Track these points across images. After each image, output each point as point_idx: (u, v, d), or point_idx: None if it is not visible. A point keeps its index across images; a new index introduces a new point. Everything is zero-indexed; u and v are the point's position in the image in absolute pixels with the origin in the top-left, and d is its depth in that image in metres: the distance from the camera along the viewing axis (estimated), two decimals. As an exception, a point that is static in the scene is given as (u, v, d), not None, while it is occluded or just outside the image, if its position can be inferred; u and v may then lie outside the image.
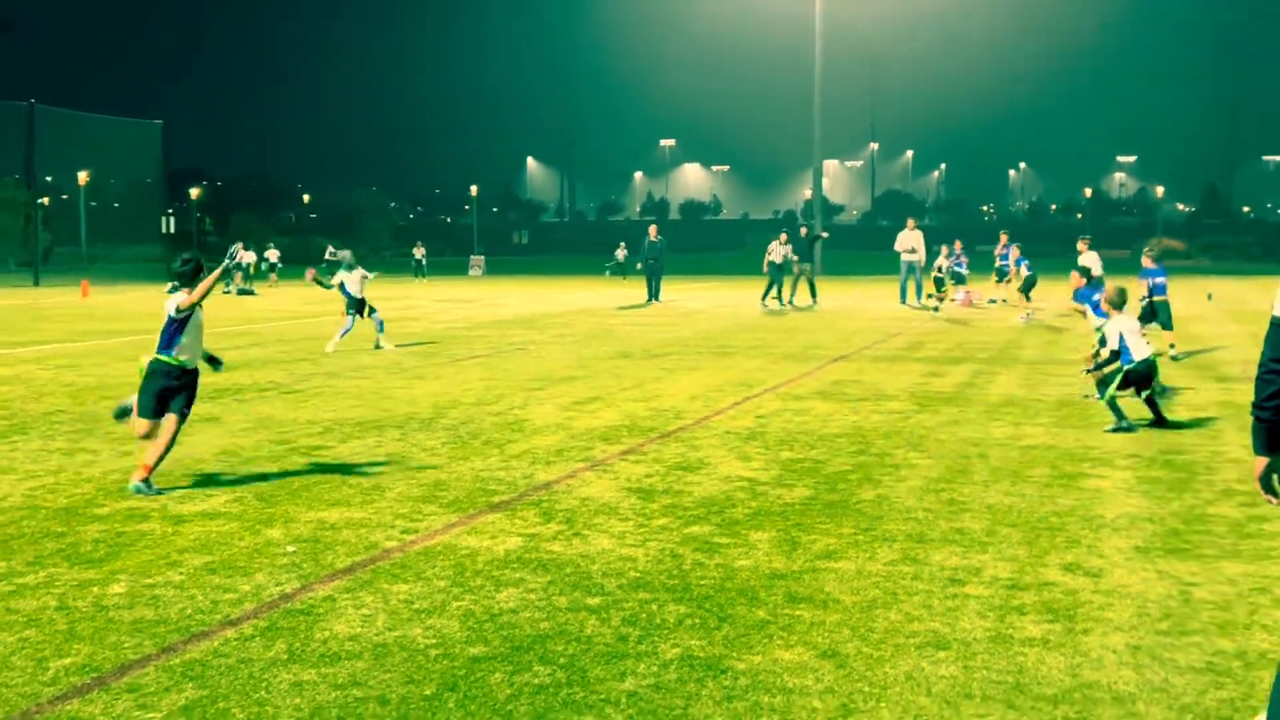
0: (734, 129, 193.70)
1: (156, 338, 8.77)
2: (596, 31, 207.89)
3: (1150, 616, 5.79)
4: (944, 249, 31.38)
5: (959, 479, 9.15)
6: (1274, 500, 4.07)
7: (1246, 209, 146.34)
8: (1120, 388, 11.34)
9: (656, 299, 34.00)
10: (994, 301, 32.34)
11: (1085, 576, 6.48)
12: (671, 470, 9.51)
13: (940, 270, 30.77)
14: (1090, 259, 20.86)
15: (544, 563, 6.82)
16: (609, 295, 38.66)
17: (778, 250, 32.14)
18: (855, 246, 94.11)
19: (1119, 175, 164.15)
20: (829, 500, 8.43)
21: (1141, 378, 11.35)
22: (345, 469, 9.63)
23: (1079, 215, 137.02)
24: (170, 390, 8.68)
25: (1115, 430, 11.13)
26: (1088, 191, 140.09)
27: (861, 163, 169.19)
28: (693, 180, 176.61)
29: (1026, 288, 27.53)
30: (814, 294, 33.16)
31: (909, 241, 32.06)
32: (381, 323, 19.98)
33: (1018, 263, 28.75)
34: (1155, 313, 17.82)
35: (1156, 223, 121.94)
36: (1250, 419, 4.04)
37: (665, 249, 35.31)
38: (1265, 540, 7.26)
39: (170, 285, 9.13)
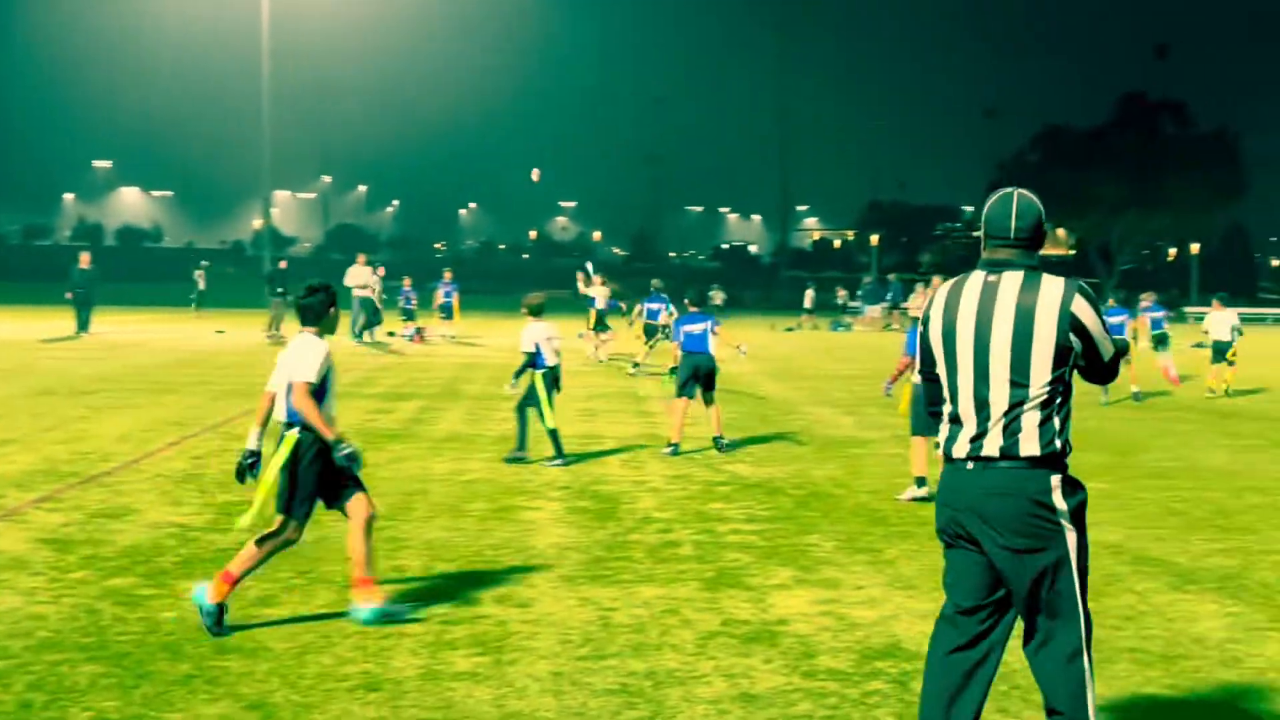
0: (178, 154, 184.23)
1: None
2: (22, 46, 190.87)
3: (572, 643, 6.10)
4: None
5: (401, 516, 9.21)
6: None
7: (673, 254, 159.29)
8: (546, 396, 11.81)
9: (86, 330, 31.68)
10: (443, 337, 33.02)
11: (515, 607, 6.73)
12: (93, 518, 8.84)
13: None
14: (599, 291, 24.48)
15: (-66, 628, 6.09)
16: (32, 326, 35.50)
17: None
18: (308, 279, 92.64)
19: (561, 219, 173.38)
20: (266, 543, 8.18)
21: (554, 380, 11.94)
22: None
23: (525, 255, 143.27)
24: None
25: (551, 462, 11.67)
26: (533, 234, 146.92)
27: (314, 194, 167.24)
28: (132, 205, 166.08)
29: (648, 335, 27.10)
30: (277, 327, 32.60)
31: (360, 277, 32.08)
32: None
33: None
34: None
35: (595, 265, 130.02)
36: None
37: (98, 278, 33.04)
38: (677, 564, 7.88)
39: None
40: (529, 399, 11.91)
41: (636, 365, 24.27)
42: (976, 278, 4.20)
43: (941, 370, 4.26)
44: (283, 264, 35.05)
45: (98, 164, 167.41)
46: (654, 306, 25.92)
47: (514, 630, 6.30)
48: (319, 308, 6.65)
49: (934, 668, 4.26)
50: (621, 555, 8.07)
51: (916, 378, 10.52)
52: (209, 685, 5.37)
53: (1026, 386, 4.03)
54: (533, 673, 5.63)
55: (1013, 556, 4.06)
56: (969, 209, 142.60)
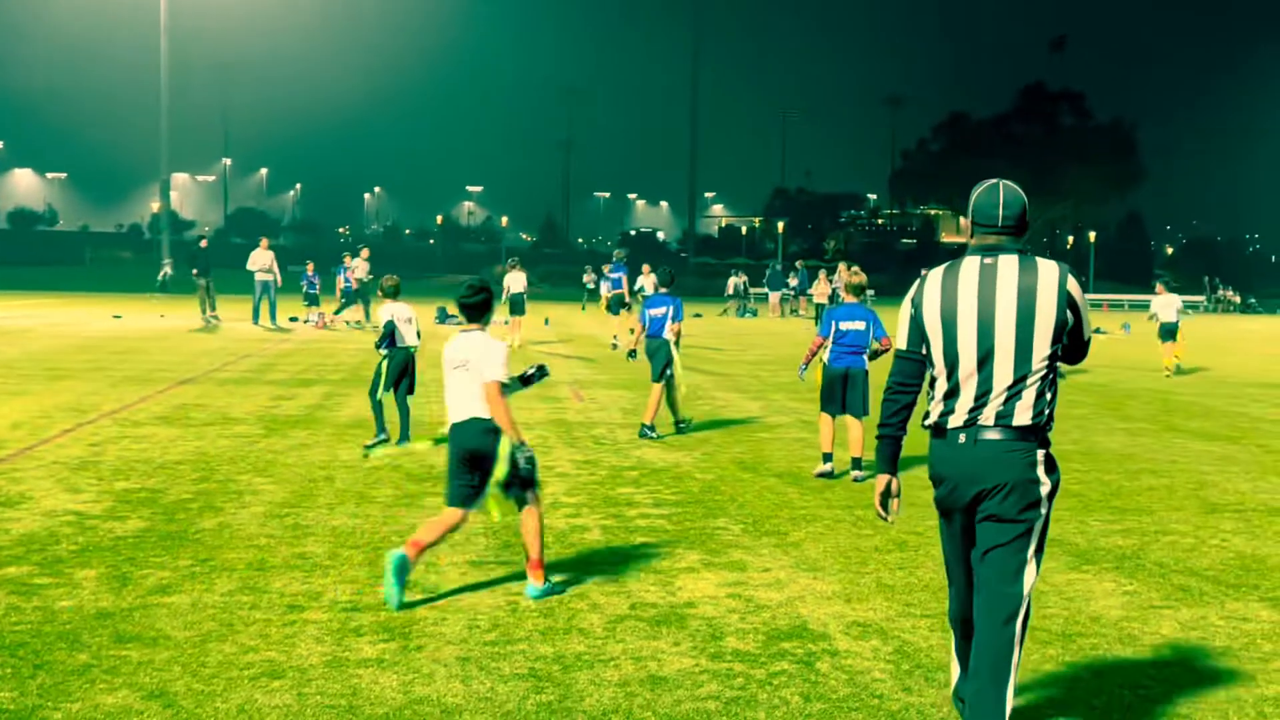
0: (73, 134, 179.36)
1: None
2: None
3: (480, 628, 6.07)
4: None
5: (304, 503, 9.08)
6: (886, 518, 4.65)
7: (580, 240, 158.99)
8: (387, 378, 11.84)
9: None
10: (347, 323, 32.60)
11: (422, 593, 6.67)
12: (-15, 506, 8.60)
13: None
14: (516, 280, 25.27)
15: None
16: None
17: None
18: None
19: (468, 204, 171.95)
20: (166, 531, 8.03)
21: (404, 360, 11.95)
22: None
23: (431, 240, 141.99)
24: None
25: (369, 445, 11.65)
26: (439, 219, 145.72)
27: (214, 177, 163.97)
28: (25, 187, 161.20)
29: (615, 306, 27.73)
30: (213, 308, 32.01)
31: (262, 261, 31.59)
32: None
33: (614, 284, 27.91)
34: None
35: (502, 250, 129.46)
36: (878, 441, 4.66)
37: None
38: (586, 549, 7.87)
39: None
40: (406, 383, 11.93)
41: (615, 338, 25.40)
42: (972, 262, 4.40)
43: (937, 350, 4.43)
44: (204, 243, 34.22)
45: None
46: (616, 276, 26.09)
47: (421, 616, 6.25)
48: (484, 306, 6.92)
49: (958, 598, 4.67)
50: (529, 540, 8.04)
51: (827, 355, 10.74)
52: (108, 675, 5.26)
53: (1029, 362, 4.28)
54: (440, 658, 5.59)
55: (995, 522, 4.30)
56: (873, 197, 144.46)
